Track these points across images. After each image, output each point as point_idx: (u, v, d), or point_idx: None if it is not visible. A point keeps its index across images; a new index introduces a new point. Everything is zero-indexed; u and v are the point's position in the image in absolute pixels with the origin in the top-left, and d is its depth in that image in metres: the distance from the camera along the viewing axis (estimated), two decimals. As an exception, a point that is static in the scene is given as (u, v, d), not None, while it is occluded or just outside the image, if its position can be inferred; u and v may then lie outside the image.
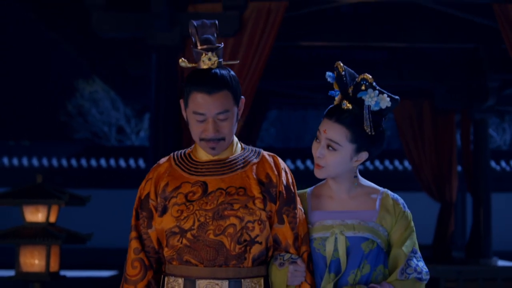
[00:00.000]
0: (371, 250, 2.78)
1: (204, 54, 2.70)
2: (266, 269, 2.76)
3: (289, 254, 2.75)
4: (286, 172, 2.82)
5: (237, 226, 2.69)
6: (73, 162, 16.03)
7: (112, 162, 16.05)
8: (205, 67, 2.70)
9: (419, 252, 2.81)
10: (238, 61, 2.97)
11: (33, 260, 4.94)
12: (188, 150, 2.86)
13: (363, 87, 2.75)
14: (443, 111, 10.44)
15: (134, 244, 2.79)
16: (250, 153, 2.82)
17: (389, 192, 2.86)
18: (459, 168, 11.65)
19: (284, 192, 2.77)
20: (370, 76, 2.76)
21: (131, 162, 16.01)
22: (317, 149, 2.82)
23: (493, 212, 10.64)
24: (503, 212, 15.36)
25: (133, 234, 2.81)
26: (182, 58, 2.71)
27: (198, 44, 2.71)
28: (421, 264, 2.80)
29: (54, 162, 16.03)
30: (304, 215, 2.82)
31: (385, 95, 2.76)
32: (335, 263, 2.78)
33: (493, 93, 9.43)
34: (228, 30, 6.54)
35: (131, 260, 2.79)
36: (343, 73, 2.79)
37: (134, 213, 2.83)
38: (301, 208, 2.82)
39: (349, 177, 2.85)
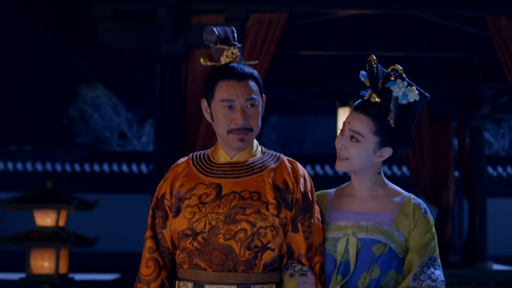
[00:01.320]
0: (382, 254, 2.69)
1: (226, 49, 2.71)
2: (280, 275, 2.69)
3: (300, 266, 2.68)
4: (305, 179, 2.75)
5: (248, 231, 2.63)
6: (77, 167, 16.18)
7: (115, 167, 16.22)
8: (227, 60, 2.71)
9: (438, 261, 2.69)
10: (257, 62, 2.89)
11: (43, 263, 5.12)
12: (207, 151, 2.82)
13: (392, 77, 2.70)
14: (440, 118, 10.51)
15: (149, 244, 2.76)
16: (269, 158, 2.77)
17: (413, 196, 2.77)
18: (456, 173, 11.80)
19: (301, 199, 2.71)
20: (401, 67, 2.72)
21: (134, 167, 16.17)
22: (340, 141, 2.75)
23: (490, 218, 10.76)
24: (501, 218, 15.45)
25: (149, 233, 2.77)
26: (203, 57, 2.74)
27: (219, 42, 2.72)
28: (438, 272, 2.67)
29: (58, 167, 16.17)
30: (321, 225, 2.74)
31: (414, 87, 2.71)
32: (344, 265, 2.71)
33: (488, 101, 9.59)
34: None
35: (146, 259, 2.75)
36: (375, 65, 2.74)
37: (150, 212, 2.80)
38: (319, 217, 2.75)
39: (372, 174, 2.77)
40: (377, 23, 8.21)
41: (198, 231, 2.66)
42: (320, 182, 8.78)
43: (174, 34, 6.62)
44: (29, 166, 16.18)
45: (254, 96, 2.68)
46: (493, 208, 14.24)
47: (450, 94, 10.04)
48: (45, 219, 5.17)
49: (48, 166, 16.16)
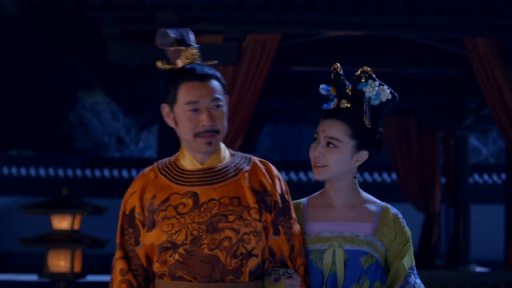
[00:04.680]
0: (370, 265, 2.64)
1: (184, 51, 2.57)
2: (263, 283, 2.58)
3: (284, 269, 2.58)
4: (279, 179, 2.64)
5: (233, 239, 2.50)
6: (79, 172, 16.47)
7: (116, 172, 16.55)
8: (186, 62, 2.57)
9: (416, 269, 2.70)
10: (217, 62, 2.68)
11: (59, 262, 5.63)
12: (172, 158, 2.65)
13: (363, 79, 2.68)
14: (427, 128, 10.81)
15: (120, 265, 2.57)
16: (240, 160, 2.63)
17: (390, 206, 2.74)
18: (443, 180, 12.19)
19: (279, 201, 2.59)
20: (370, 69, 2.70)
21: (134, 172, 16.49)
22: (316, 150, 2.68)
23: (475, 223, 11.06)
24: (486, 223, 15.73)
25: (119, 253, 2.59)
26: (161, 61, 2.60)
27: (176, 44, 2.57)
28: (419, 281, 2.68)
29: (60, 172, 16.51)
30: (299, 226, 2.65)
31: (385, 87, 2.69)
32: (332, 277, 2.64)
33: (471, 113, 9.90)
34: (229, 59, 7.11)
35: (118, 282, 2.57)
36: (341, 72, 2.72)
37: (119, 229, 2.62)
38: (296, 218, 2.66)
39: (349, 181, 2.71)
40: (367, 40, 8.60)
41: (178, 243, 2.49)
42: (316, 189, 9.19)
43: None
44: (32, 171, 16.54)
45: (219, 96, 2.55)
46: (478, 214, 14.67)
47: (436, 107, 10.37)
48: (62, 222, 5.69)
49: (51, 172, 16.51)
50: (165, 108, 2.59)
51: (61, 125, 23.74)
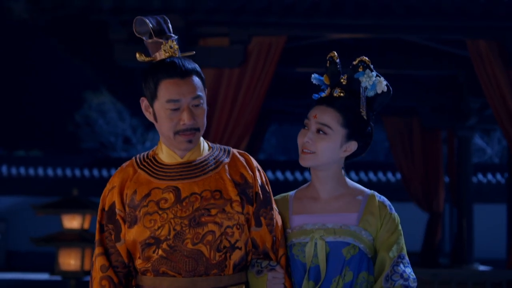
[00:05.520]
0: (353, 256, 2.58)
1: (164, 43, 2.48)
2: (246, 275, 2.56)
3: (267, 261, 2.56)
4: (259, 171, 2.60)
5: (216, 232, 2.47)
6: (86, 172, 16.59)
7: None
8: (166, 55, 2.48)
9: (407, 258, 2.60)
10: (194, 52, 2.59)
11: (70, 261, 5.78)
12: (150, 152, 2.60)
13: (360, 68, 2.63)
14: (430, 128, 10.90)
15: (100, 261, 2.53)
16: (220, 152, 2.59)
17: (376, 193, 2.66)
18: (447, 180, 12.27)
19: (260, 192, 2.56)
20: (367, 59, 2.66)
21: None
22: (305, 135, 2.63)
23: (479, 222, 11.08)
24: (490, 222, 15.77)
25: (98, 250, 2.54)
26: (139, 52, 2.51)
27: (154, 35, 2.49)
28: (409, 270, 2.57)
29: (68, 173, 16.63)
30: (279, 216, 2.63)
31: (382, 79, 2.64)
32: (315, 270, 2.59)
33: (474, 114, 9.98)
34: (234, 62, 7.24)
35: (99, 278, 2.52)
36: (337, 61, 2.68)
37: (97, 226, 2.57)
38: (276, 209, 2.63)
39: (335, 171, 2.65)
40: (370, 42, 8.70)
41: (162, 238, 2.46)
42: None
43: (183, 56, 7.26)
44: (40, 171, 16.64)
45: (200, 94, 2.49)
46: (482, 213, 14.75)
47: (439, 107, 10.46)
48: (72, 222, 5.84)
49: (59, 172, 16.63)
50: (144, 102, 2.54)
51: (67, 125, 23.84)
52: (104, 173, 16.68)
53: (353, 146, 2.63)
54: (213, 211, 2.47)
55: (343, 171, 2.66)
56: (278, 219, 2.61)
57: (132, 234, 2.48)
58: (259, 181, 2.57)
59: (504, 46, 7.40)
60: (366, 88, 2.61)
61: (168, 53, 2.48)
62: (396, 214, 2.63)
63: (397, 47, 8.71)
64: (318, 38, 8.16)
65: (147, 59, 2.49)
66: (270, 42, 7.37)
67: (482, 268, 10.33)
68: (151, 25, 2.47)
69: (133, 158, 2.59)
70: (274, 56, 7.39)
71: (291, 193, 2.71)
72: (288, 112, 12.03)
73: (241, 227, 2.51)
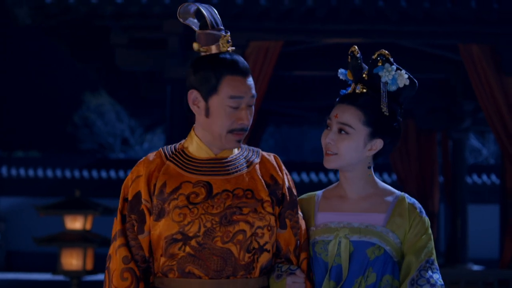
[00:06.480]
0: (377, 257, 2.47)
1: (223, 36, 2.41)
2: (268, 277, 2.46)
3: (287, 265, 2.46)
4: (286, 173, 2.54)
5: (247, 232, 2.39)
6: (85, 173, 16.68)
7: (122, 173, 16.75)
8: (224, 49, 2.40)
9: (436, 263, 2.47)
10: (234, 48, 2.46)
11: (72, 260, 5.93)
12: (178, 145, 2.50)
13: (379, 63, 2.52)
14: (425, 130, 11.01)
15: (123, 252, 2.39)
16: (249, 153, 2.51)
17: (407, 195, 2.56)
18: (442, 180, 12.40)
19: (287, 194, 2.49)
20: (387, 52, 2.55)
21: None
22: (327, 136, 2.52)
23: (474, 223, 11.17)
24: (485, 223, 15.89)
25: (120, 241, 2.41)
26: (196, 42, 2.42)
27: (210, 26, 2.41)
28: (436, 276, 2.44)
29: (67, 173, 16.72)
30: (303, 221, 2.54)
31: (403, 72, 2.52)
32: (336, 270, 2.49)
33: (468, 116, 10.13)
34: None
35: (120, 270, 2.38)
36: (358, 55, 2.57)
37: (119, 216, 2.44)
38: (301, 214, 2.54)
39: (362, 171, 2.54)
40: (366, 45, 8.92)
41: (191, 235, 2.36)
42: (320, 189, 9.42)
43: (183, 60, 7.41)
44: (40, 172, 16.76)
45: (255, 93, 2.44)
46: (477, 214, 14.88)
47: (433, 109, 10.58)
48: (74, 223, 5.99)
49: (58, 173, 16.74)
50: (193, 94, 2.41)
51: (66, 126, 23.86)
52: (103, 174, 16.79)
53: (378, 144, 2.52)
54: (245, 210, 2.39)
55: (371, 170, 2.55)
56: (302, 223, 2.53)
57: (159, 228, 2.38)
58: (287, 183, 2.50)
59: (496, 51, 7.56)
60: (386, 83, 2.49)
61: (225, 48, 2.40)
62: (426, 218, 2.54)
63: (391, 51, 8.80)
64: (314, 43, 8.31)
65: (203, 49, 2.40)
66: (268, 47, 7.53)
67: (475, 267, 10.44)
68: (210, 18, 2.40)
69: (160, 149, 2.49)
70: (271, 60, 7.56)
71: (319, 192, 2.63)
72: (285, 114, 12.15)
73: (271, 229, 2.43)
